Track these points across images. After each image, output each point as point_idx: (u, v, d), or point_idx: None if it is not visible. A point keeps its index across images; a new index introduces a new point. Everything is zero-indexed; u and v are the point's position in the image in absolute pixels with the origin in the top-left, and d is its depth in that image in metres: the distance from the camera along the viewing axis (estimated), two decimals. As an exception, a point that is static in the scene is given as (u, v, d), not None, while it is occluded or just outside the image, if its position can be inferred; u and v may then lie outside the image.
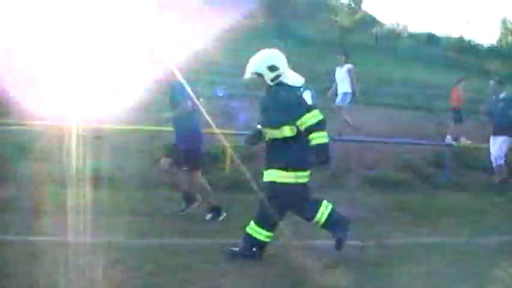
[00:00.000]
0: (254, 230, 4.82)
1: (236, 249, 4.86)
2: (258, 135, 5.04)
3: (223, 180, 8.17)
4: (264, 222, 4.79)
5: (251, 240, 4.81)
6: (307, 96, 4.68)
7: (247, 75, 4.75)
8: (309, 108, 4.61)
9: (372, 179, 9.34)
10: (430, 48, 32.40)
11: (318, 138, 4.60)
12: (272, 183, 4.73)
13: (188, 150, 6.34)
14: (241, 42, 16.93)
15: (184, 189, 6.67)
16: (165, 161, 6.63)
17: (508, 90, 9.94)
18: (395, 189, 8.93)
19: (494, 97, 9.99)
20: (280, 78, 4.72)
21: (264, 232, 4.80)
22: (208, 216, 6.51)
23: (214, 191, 6.63)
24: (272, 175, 4.74)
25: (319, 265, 4.69)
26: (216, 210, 6.53)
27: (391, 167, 10.06)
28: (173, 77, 6.29)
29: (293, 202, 4.81)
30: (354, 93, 10.73)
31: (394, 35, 33.64)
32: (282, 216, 4.86)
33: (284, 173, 4.66)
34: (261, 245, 4.83)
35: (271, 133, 4.76)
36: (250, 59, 4.78)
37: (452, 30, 49.55)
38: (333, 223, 4.84)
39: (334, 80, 11.02)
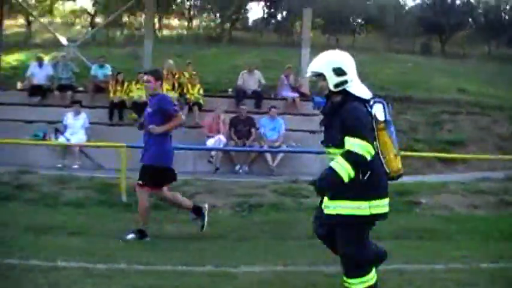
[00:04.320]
0: (350, 284, 3.92)
1: None
2: None
3: None
4: (353, 269, 3.89)
5: None
6: (379, 110, 3.90)
7: (308, 73, 3.99)
8: (361, 134, 3.70)
9: None
10: None
11: (337, 162, 3.71)
12: (339, 217, 3.82)
13: (155, 167, 6.09)
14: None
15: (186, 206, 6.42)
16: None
17: None
18: None
19: None
20: (345, 86, 3.87)
21: (360, 280, 3.88)
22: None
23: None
24: (338, 206, 3.83)
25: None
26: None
27: None
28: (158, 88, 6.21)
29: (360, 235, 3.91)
30: None
31: None
32: (368, 251, 3.92)
33: (352, 203, 3.77)
34: None
35: (336, 154, 3.88)
36: (315, 58, 4.01)
37: None
38: None
39: None
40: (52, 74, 12.83)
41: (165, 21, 26.05)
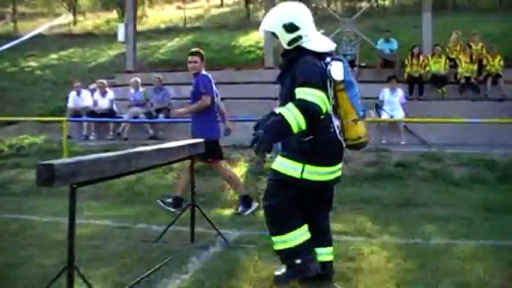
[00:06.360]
0: (278, 243, 3.70)
1: (279, 272, 3.80)
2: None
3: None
4: (278, 225, 3.69)
5: (286, 254, 3.71)
6: (337, 69, 3.55)
7: (260, 31, 3.75)
8: (314, 85, 3.39)
9: None
10: None
11: (286, 109, 3.39)
12: (275, 173, 3.71)
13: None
14: None
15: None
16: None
17: None
18: None
19: None
20: (300, 42, 3.59)
21: (288, 236, 3.65)
22: (240, 209, 6.40)
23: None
24: (276, 162, 3.73)
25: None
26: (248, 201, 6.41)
27: None
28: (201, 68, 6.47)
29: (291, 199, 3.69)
30: None
31: None
32: (293, 214, 3.69)
33: (289, 162, 3.61)
34: (298, 251, 3.65)
35: None
36: (268, 13, 3.72)
37: None
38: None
39: None
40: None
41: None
